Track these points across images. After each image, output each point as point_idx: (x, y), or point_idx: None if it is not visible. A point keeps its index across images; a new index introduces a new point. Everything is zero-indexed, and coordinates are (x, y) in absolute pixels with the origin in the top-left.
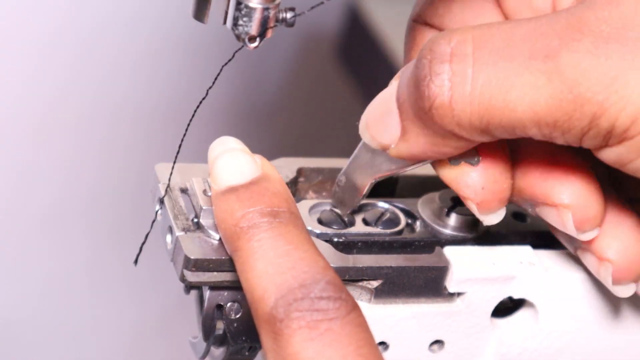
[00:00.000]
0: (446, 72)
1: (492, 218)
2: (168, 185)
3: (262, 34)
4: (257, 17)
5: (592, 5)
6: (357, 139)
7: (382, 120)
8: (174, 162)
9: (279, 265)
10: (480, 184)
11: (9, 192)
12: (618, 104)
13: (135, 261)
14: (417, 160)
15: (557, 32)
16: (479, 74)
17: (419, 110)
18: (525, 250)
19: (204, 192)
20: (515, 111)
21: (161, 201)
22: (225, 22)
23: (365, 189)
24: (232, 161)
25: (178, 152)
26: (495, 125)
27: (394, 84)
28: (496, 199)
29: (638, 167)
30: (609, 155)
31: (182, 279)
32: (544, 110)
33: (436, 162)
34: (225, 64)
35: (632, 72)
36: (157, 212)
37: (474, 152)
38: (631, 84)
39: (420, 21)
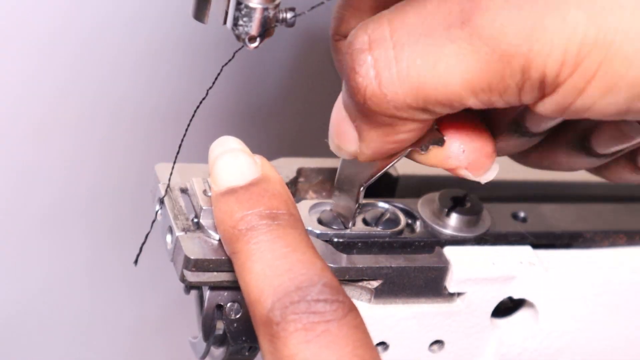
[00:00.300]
0: (368, 60)
1: (488, 175)
2: (168, 185)
3: (262, 34)
4: (257, 17)
5: None
6: None
7: (341, 130)
8: (174, 162)
9: (276, 268)
10: (458, 150)
11: (8, 192)
12: (542, 51)
13: (136, 261)
14: (385, 157)
15: None
16: (401, 55)
17: (357, 105)
18: (525, 250)
19: (204, 192)
20: (448, 84)
21: (161, 201)
22: (225, 22)
23: (358, 197)
24: (232, 162)
25: (178, 152)
26: (432, 102)
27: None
28: (482, 155)
29: (579, 108)
30: (549, 106)
31: (182, 279)
32: (475, 77)
33: (410, 154)
34: (225, 64)
35: (548, 18)
36: (157, 212)
37: (436, 132)
38: (550, 29)
39: (339, 36)
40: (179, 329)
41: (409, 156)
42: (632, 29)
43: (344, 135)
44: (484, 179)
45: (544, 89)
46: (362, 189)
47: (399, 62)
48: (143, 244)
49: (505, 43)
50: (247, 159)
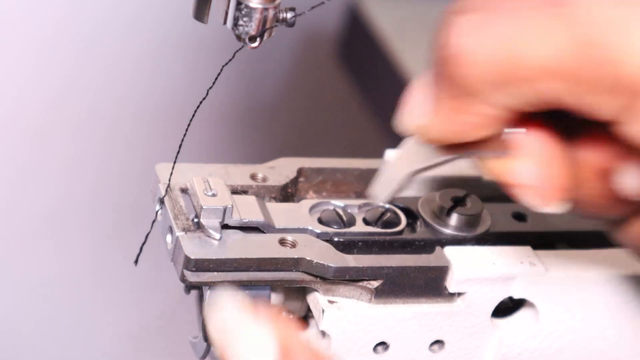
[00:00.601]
0: (462, 22)
1: (550, 209)
2: (168, 185)
3: (262, 34)
4: (257, 17)
5: None
6: (357, 138)
7: (415, 98)
8: (174, 162)
9: None
10: (529, 168)
11: (8, 192)
12: (635, 51)
13: (136, 261)
14: (450, 143)
15: None
16: (493, 22)
17: (441, 66)
18: (526, 250)
19: (204, 191)
20: (534, 58)
21: (161, 201)
22: (225, 22)
23: (402, 182)
24: (244, 349)
25: (178, 152)
26: (514, 77)
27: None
28: (552, 184)
29: None
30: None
31: (182, 279)
32: (563, 58)
33: (475, 157)
34: (226, 64)
35: None
36: (157, 212)
37: (506, 142)
38: None
39: None
40: (179, 329)
41: (474, 159)
42: None
43: (417, 105)
44: (544, 209)
45: (635, 95)
46: (411, 173)
47: (489, 28)
48: (143, 243)
49: (599, 33)
50: (258, 341)
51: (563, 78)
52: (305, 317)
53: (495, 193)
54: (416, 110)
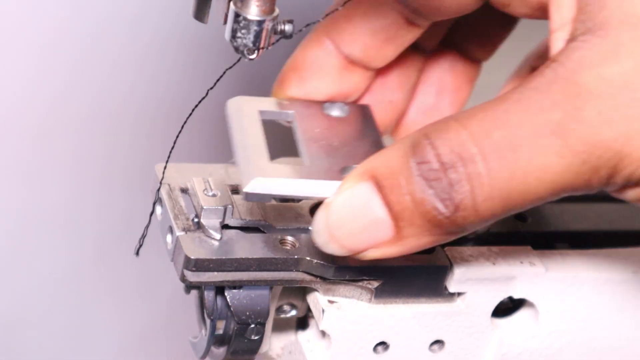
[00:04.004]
0: (462, 176)
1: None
2: (160, 185)
3: (260, 46)
4: (255, 29)
5: (587, 63)
6: None
7: (363, 229)
8: (167, 162)
9: None
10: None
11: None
12: (631, 165)
13: (137, 252)
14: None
15: (556, 103)
16: (492, 170)
17: (436, 216)
18: (526, 250)
19: (204, 192)
20: (535, 193)
21: (161, 201)
22: (225, 22)
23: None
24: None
25: (171, 150)
26: (517, 208)
27: (361, 189)
28: None
29: None
30: (630, 195)
31: (183, 279)
32: (561, 184)
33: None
34: (229, 68)
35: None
36: (153, 211)
37: None
38: None
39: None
40: (179, 329)
41: None
42: None
43: (365, 236)
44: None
45: (626, 186)
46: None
47: (491, 178)
48: (143, 237)
49: (596, 156)
50: None
51: (560, 194)
52: (305, 317)
53: None
54: (366, 238)
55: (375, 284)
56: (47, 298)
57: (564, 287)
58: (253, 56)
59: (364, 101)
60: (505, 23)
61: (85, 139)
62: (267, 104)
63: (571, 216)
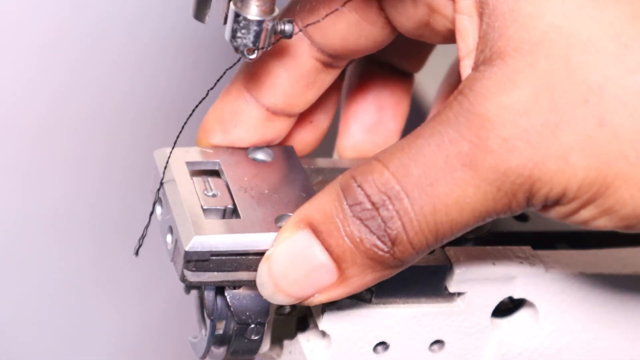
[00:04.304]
0: (394, 213)
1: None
2: (161, 185)
3: (260, 46)
4: (255, 29)
5: (488, 93)
6: None
7: (306, 276)
8: (167, 161)
9: None
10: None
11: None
12: (544, 188)
13: (136, 252)
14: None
15: (463, 135)
16: (416, 206)
17: (377, 252)
18: (526, 250)
19: (204, 192)
20: (460, 221)
21: (161, 201)
22: (225, 22)
23: None
24: None
25: (171, 151)
26: (448, 237)
27: (300, 237)
28: None
29: (578, 221)
30: (552, 214)
31: (183, 279)
32: (483, 211)
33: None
34: (229, 68)
35: (550, 161)
36: (157, 212)
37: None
38: (552, 170)
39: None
40: (179, 329)
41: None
42: (631, 177)
43: (310, 282)
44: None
45: (546, 206)
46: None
47: (416, 213)
48: (143, 237)
49: (509, 182)
50: None
51: (485, 219)
52: (305, 317)
53: None
54: (311, 285)
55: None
56: (46, 298)
57: (564, 287)
58: (253, 56)
59: None
60: None
61: (85, 139)
62: (192, 154)
63: None
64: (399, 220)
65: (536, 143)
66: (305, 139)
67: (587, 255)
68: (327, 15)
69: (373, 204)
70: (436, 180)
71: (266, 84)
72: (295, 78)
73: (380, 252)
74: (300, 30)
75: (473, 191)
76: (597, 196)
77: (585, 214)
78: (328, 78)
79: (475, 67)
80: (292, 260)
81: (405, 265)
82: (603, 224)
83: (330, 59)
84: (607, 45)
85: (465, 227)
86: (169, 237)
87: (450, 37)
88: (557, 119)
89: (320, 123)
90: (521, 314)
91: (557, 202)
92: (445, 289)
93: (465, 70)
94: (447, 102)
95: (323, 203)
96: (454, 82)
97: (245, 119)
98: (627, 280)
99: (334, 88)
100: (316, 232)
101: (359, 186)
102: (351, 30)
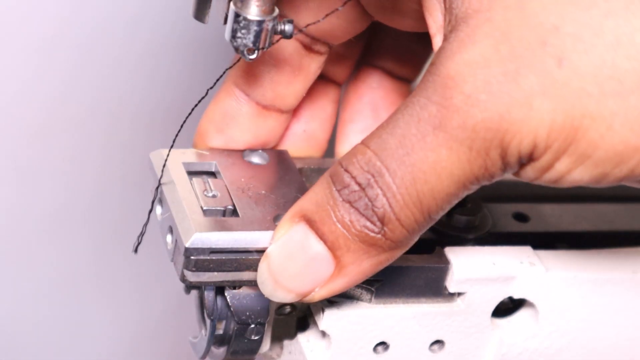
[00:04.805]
0: (378, 191)
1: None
2: (158, 186)
3: (260, 46)
4: (255, 29)
5: (449, 54)
6: None
7: (304, 268)
8: (165, 161)
9: None
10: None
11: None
12: (515, 139)
13: (135, 250)
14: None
15: (430, 99)
16: (397, 178)
17: (368, 234)
18: (526, 250)
19: (204, 192)
20: (442, 190)
21: (160, 201)
22: (225, 22)
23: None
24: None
25: (170, 150)
26: (434, 210)
27: (295, 231)
28: None
29: (554, 177)
30: (530, 174)
31: (183, 279)
32: (461, 176)
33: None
34: (229, 68)
35: (515, 108)
36: (156, 212)
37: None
38: (518, 118)
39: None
40: (179, 329)
41: None
42: (598, 114)
43: (308, 275)
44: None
45: (522, 165)
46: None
47: (398, 186)
48: (142, 234)
49: (480, 139)
50: None
51: (468, 186)
52: (305, 317)
53: (496, 193)
54: (310, 278)
55: (376, 284)
56: (44, 297)
57: (564, 287)
58: (253, 56)
59: None
60: (419, 41)
61: (84, 139)
62: (189, 155)
63: (571, 216)
64: (384, 197)
65: (499, 93)
66: (300, 147)
67: (587, 255)
68: (326, 15)
69: (359, 184)
70: (412, 149)
71: (252, 75)
72: (280, 63)
73: (371, 234)
74: (301, 31)
75: (446, 153)
76: (567, 142)
77: (560, 166)
78: (312, 65)
79: (446, 38)
80: (290, 254)
81: (401, 248)
82: (579, 176)
83: (309, 39)
84: None
85: (449, 197)
86: (169, 237)
87: (419, 20)
88: (517, 66)
89: (315, 133)
90: (521, 314)
91: (531, 156)
92: (445, 289)
93: (436, 46)
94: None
95: (315, 193)
96: None
97: (237, 117)
98: (627, 281)
99: (329, 100)
100: (310, 222)
101: (346, 170)
102: (322, 7)
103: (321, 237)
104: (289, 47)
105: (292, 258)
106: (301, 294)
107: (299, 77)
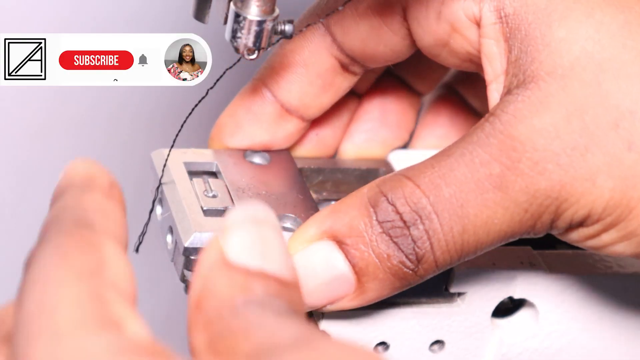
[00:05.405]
0: (424, 234)
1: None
2: (159, 185)
3: (260, 46)
4: (255, 29)
5: (520, 116)
6: None
7: (325, 286)
8: (166, 161)
9: None
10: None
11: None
12: (571, 209)
13: (136, 249)
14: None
15: (495, 157)
16: (445, 226)
17: (402, 269)
18: (526, 250)
19: (205, 193)
20: (486, 242)
21: (161, 201)
22: (225, 22)
23: None
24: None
25: (170, 150)
26: (471, 255)
27: (321, 247)
28: None
29: (597, 245)
30: (573, 237)
31: (183, 279)
32: (508, 232)
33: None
34: (229, 68)
35: (578, 182)
36: (157, 212)
37: None
38: (579, 191)
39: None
40: (179, 329)
41: None
42: None
43: (330, 292)
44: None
45: (569, 229)
46: None
47: (445, 233)
48: (143, 234)
49: (537, 204)
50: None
51: (509, 239)
52: None
53: None
54: (330, 294)
55: None
56: None
57: (564, 287)
58: (253, 56)
59: None
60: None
61: (84, 138)
62: (190, 155)
63: None
64: (428, 240)
65: (566, 165)
66: (310, 149)
67: (587, 256)
68: (326, 15)
69: (404, 222)
70: (467, 202)
71: (284, 78)
72: (313, 75)
73: (405, 269)
74: (320, 21)
75: (502, 212)
76: (619, 219)
77: (605, 237)
78: (344, 84)
79: (509, 91)
80: (312, 269)
81: (422, 281)
82: (621, 249)
83: (349, 60)
84: (639, 72)
85: (489, 247)
86: (169, 238)
87: (468, 61)
88: (587, 142)
89: (326, 139)
90: (521, 314)
91: (581, 223)
92: (446, 289)
93: (493, 94)
94: (478, 123)
95: (350, 217)
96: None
97: (260, 115)
98: (627, 281)
99: (348, 110)
100: (340, 243)
101: (391, 203)
102: (372, 33)
103: (350, 260)
104: (326, 64)
105: (314, 273)
106: (313, 307)
107: (329, 93)
